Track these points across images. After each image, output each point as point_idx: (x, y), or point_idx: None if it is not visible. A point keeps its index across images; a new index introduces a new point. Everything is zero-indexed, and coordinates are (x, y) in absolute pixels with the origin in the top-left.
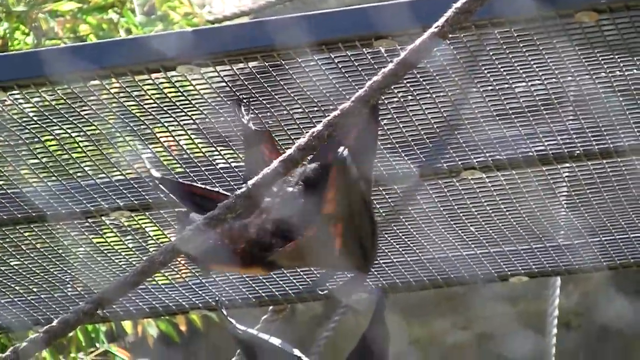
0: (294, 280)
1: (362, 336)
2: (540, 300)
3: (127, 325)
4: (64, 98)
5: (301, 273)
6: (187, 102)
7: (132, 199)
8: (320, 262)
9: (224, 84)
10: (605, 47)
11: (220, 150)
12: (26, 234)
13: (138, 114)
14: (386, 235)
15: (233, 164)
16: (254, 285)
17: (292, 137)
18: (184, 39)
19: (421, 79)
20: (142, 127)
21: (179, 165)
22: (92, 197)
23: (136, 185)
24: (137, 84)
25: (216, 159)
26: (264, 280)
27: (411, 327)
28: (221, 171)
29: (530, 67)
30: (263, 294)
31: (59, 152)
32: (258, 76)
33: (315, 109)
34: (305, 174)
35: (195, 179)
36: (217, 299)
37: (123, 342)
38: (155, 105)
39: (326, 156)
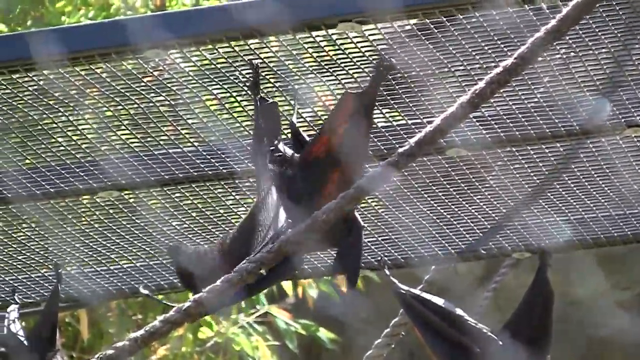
0: (458, 240)
1: (525, 296)
2: None
3: (288, 286)
4: (225, 57)
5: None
6: (348, 59)
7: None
8: None
9: (381, 42)
10: None
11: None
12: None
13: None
14: (549, 194)
15: (395, 123)
16: (415, 244)
17: (454, 95)
18: None
19: (583, 36)
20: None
21: None
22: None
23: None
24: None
25: (377, 117)
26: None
27: (572, 287)
28: (382, 130)
29: None
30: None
31: (219, 113)
32: (419, 33)
33: (477, 66)
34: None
35: None
36: (379, 258)
37: (284, 304)
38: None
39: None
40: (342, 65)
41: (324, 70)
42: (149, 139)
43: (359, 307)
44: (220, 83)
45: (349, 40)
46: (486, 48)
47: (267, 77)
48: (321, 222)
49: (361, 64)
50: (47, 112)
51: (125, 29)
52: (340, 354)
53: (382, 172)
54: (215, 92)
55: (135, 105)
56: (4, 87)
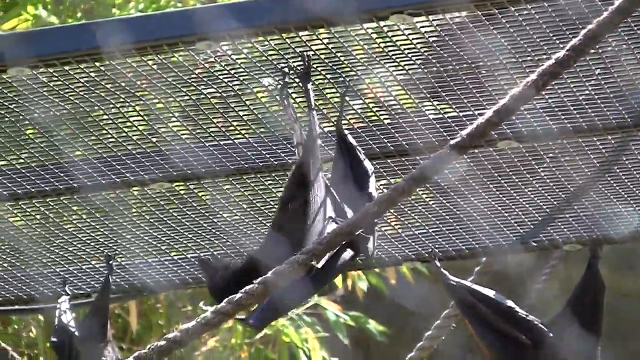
0: (509, 232)
1: (576, 287)
2: None
3: (337, 279)
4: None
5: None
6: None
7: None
8: None
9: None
10: None
11: (432, 100)
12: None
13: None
14: (600, 186)
15: (446, 115)
16: (466, 235)
17: (505, 87)
18: None
19: (635, 28)
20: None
21: (388, 116)
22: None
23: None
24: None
25: (428, 109)
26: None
27: (624, 280)
28: (434, 122)
29: None
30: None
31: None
32: (471, 25)
33: (528, 58)
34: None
35: (408, 129)
36: (430, 250)
37: (333, 296)
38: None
39: None
40: (393, 57)
41: (375, 62)
42: (199, 130)
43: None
44: (272, 75)
45: (400, 32)
46: (537, 40)
47: (318, 69)
48: (372, 214)
49: (412, 56)
50: (98, 104)
51: (174, 21)
52: (390, 345)
53: (443, 156)
54: (266, 83)
55: (187, 97)
56: (56, 78)
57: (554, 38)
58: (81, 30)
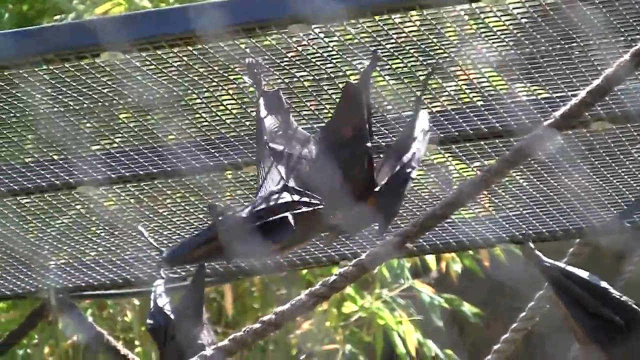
0: (603, 213)
1: None
2: None
3: (431, 261)
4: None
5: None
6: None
7: None
8: None
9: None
10: None
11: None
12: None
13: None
14: None
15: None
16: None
17: (598, 67)
18: None
19: None
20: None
21: (481, 98)
22: None
23: None
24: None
25: (520, 91)
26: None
27: None
28: (527, 103)
29: None
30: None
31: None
32: (563, 6)
33: (622, 38)
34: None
35: (501, 110)
36: (524, 232)
37: (427, 279)
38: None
39: None
40: (486, 38)
41: (467, 44)
42: (293, 113)
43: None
44: (364, 58)
45: (492, 14)
46: (631, 20)
47: (411, 51)
48: (467, 195)
49: (504, 37)
50: (191, 88)
51: (268, 3)
52: (484, 328)
53: (536, 138)
54: (359, 66)
55: (279, 80)
56: (149, 62)
57: None
58: (175, 13)
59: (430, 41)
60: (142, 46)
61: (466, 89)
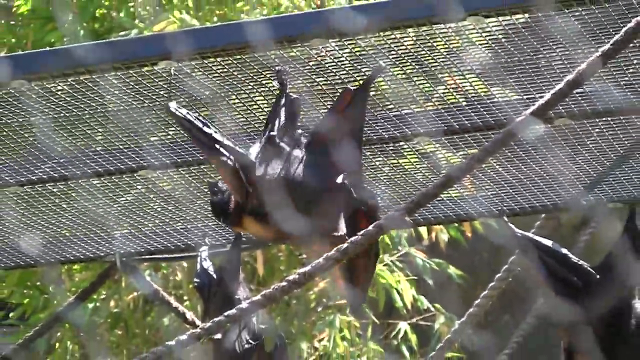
0: (563, 192)
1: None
2: None
3: (424, 231)
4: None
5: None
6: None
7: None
8: None
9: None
10: None
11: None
12: None
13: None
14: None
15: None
16: (529, 196)
17: (560, 74)
18: None
19: None
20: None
21: (465, 99)
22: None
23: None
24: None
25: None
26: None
27: None
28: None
29: None
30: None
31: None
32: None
33: (579, 51)
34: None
35: (481, 109)
36: (500, 208)
37: (420, 246)
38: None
39: None
40: (469, 50)
41: (454, 54)
42: (311, 111)
43: (479, 250)
44: (370, 66)
45: (475, 31)
46: (587, 36)
47: (408, 60)
48: (455, 178)
49: (485, 49)
50: (231, 91)
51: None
52: (469, 289)
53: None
54: (367, 73)
55: (302, 85)
56: (198, 69)
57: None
58: (218, 30)
59: (424, 52)
60: (193, 56)
61: (453, 91)
